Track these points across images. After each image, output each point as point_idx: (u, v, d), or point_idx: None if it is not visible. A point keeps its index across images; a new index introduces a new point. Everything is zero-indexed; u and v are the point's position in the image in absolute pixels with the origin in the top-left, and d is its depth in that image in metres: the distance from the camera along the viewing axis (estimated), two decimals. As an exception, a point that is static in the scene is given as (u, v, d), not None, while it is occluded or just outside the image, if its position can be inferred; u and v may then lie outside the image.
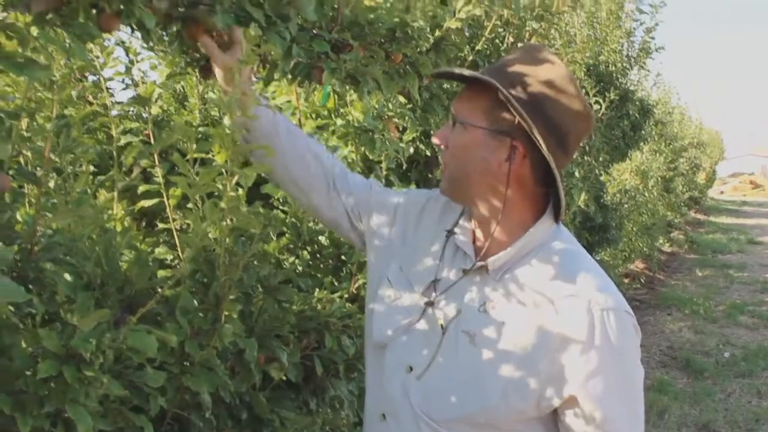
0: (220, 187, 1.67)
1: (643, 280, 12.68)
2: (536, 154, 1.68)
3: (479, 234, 1.81)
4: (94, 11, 1.56)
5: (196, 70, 2.10)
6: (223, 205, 1.70)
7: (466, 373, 1.69)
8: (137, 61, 3.01)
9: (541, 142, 1.63)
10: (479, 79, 1.68)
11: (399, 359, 1.80)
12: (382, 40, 2.21)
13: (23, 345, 1.44)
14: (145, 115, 2.85)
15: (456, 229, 1.84)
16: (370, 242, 2.00)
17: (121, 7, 1.56)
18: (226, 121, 2.69)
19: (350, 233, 2.05)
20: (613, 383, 1.63)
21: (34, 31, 1.43)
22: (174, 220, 2.43)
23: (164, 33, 1.86)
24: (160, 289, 1.89)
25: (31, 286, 1.57)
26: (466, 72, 1.71)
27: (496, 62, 1.78)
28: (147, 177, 2.55)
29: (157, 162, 2.37)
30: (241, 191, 1.92)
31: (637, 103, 7.83)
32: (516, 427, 1.68)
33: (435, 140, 1.80)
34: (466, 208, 1.84)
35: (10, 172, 1.64)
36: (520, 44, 3.68)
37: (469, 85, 1.76)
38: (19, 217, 1.74)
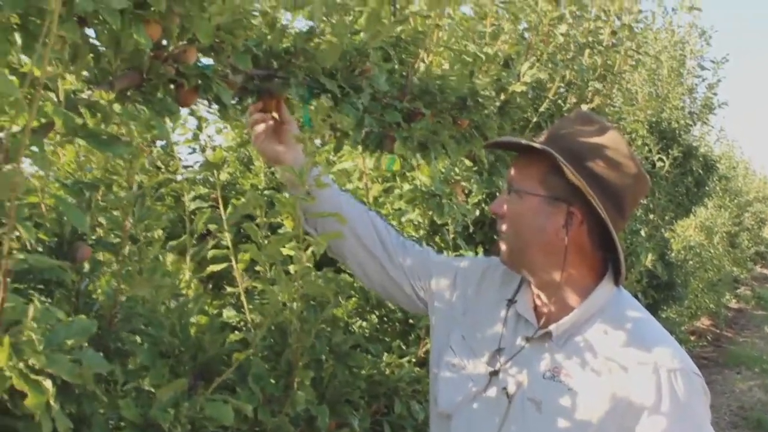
0: (293, 253, 1.69)
1: (709, 338, 12.41)
2: (593, 219, 1.68)
3: (540, 300, 1.80)
4: (172, 86, 1.61)
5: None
6: (293, 270, 1.72)
7: None
8: (205, 127, 3.08)
9: (600, 206, 1.63)
10: (533, 147, 1.68)
11: (466, 429, 1.79)
12: (451, 108, 2.24)
13: (102, 415, 1.46)
14: (212, 179, 2.90)
15: (517, 297, 1.83)
16: (431, 305, 1.99)
17: (199, 82, 1.60)
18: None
19: (413, 298, 2.03)
20: None
21: (117, 107, 1.47)
22: (241, 283, 2.45)
23: (238, 104, 1.91)
24: (228, 355, 1.91)
25: (110, 356, 1.59)
26: (523, 141, 1.72)
27: (550, 129, 1.79)
28: (215, 241, 2.58)
29: (226, 227, 2.41)
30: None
31: (701, 159, 7.75)
32: None
33: (492, 209, 1.80)
34: (524, 274, 1.83)
35: (90, 243, 1.68)
36: (583, 105, 3.69)
37: (522, 153, 1.77)
38: (98, 287, 1.77)
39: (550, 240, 1.69)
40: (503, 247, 1.80)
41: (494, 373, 1.76)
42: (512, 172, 1.76)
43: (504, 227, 1.78)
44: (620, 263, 1.70)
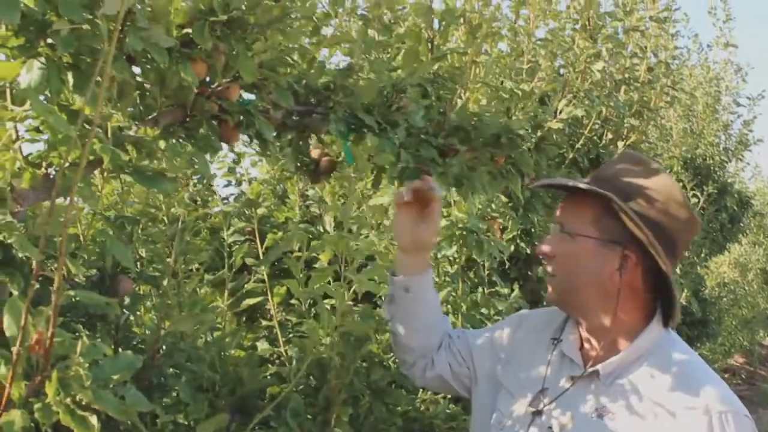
0: (332, 291, 1.69)
1: (743, 376, 12.22)
2: (648, 262, 1.66)
3: (587, 340, 1.78)
4: (215, 122, 1.62)
5: (305, 174, 2.16)
6: (330, 306, 1.72)
7: None
8: (241, 160, 3.10)
9: (659, 252, 1.62)
10: (590, 189, 1.68)
11: None
12: (487, 144, 2.24)
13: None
14: (248, 213, 2.92)
15: (562, 337, 1.82)
16: (475, 379, 1.95)
17: (241, 118, 1.62)
18: (327, 219, 2.73)
19: (454, 382, 1.97)
20: None
21: (161, 144, 1.49)
22: (277, 316, 2.46)
23: (277, 140, 1.92)
24: (265, 389, 1.92)
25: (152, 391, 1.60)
26: (581, 185, 1.71)
27: (599, 171, 1.78)
28: (251, 274, 2.60)
29: (263, 261, 2.42)
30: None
31: (735, 195, 7.67)
32: None
33: (543, 250, 1.78)
34: (572, 315, 1.82)
35: (132, 276, 1.70)
36: (619, 142, 3.68)
37: (574, 194, 1.76)
38: (140, 320, 1.79)
39: (604, 282, 1.68)
40: (552, 287, 1.78)
41: (537, 413, 1.74)
42: (563, 212, 1.75)
43: (553, 268, 1.76)
44: (673, 305, 1.69)
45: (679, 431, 1.58)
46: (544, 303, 3.55)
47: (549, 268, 1.78)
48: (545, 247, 1.77)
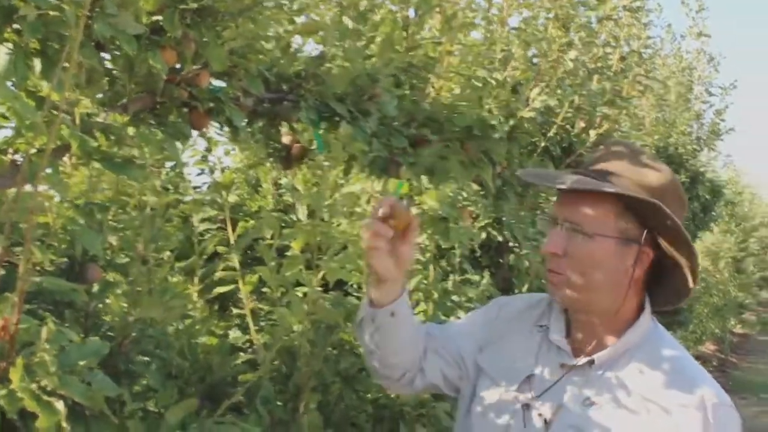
0: (304, 277, 1.70)
1: (714, 363, 12.36)
2: (658, 254, 1.69)
3: (577, 329, 1.77)
4: (185, 110, 1.62)
5: (276, 161, 2.16)
6: (302, 293, 1.73)
7: None
8: (213, 148, 3.09)
9: (687, 250, 1.66)
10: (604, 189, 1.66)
11: None
12: (459, 134, 2.25)
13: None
14: (220, 201, 2.91)
15: (549, 324, 1.81)
16: (466, 373, 1.88)
17: (211, 105, 1.62)
18: (300, 208, 2.73)
19: (445, 387, 1.92)
20: None
21: (130, 130, 1.49)
22: (248, 304, 2.46)
23: (248, 127, 1.92)
24: (236, 377, 1.92)
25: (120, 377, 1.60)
26: (609, 188, 1.65)
27: (603, 165, 1.74)
28: (223, 262, 2.59)
29: (234, 249, 2.42)
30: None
31: (707, 184, 7.75)
32: None
33: (550, 250, 1.70)
34: (577, 310, 1.78)
35: (101, 264, 1.69)
36: (592, 131, 3.69)
37: (584, 192, 1.69)
38: (108, 308, 1.78)
39: (619, 280, 1.68)
40: (563, 288, 1.71)
41: (527, 403, 1.72)
42: (574, 210, 1.68)
43: (564, 266, 1.69)
44: (687, 285, 1.71)
45: (674, 428, 1.60)
46: (515, 291, 3.58)
47: (555, 266, 1.71)
48: (552, 247, 1.70)
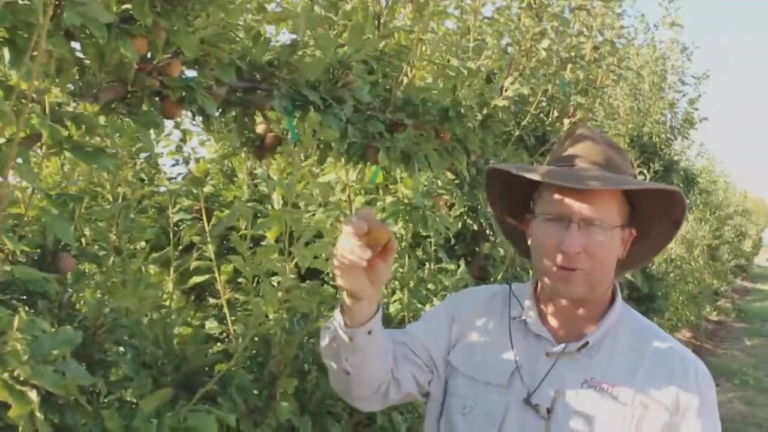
0: (278, 266, 1.70)
1: (690, 350, 12.43)
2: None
3: (558, 317, 1.78)
4: (157, 99, 1.62)
5: (251, 151, 2.16)
6: (276, 282, 1.73)
7: None
8: (189, 139, 3.09)
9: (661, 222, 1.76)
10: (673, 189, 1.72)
11: None
12: (434, 119, 2.26)
13: (85, 426, 1.46)
14: (195, 192, 2.91)
15: (522, 314, 1.81)
16: (437, 375, 1.86)
17: (183, 94, 1.62)
18: (275, 197, 2.73)
19: (419, 393, 1.88)
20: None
21: (102, 120, 1.48)
22: (224, 294, 2.46)
23: (221, 117, 1.92)
24: (211, 366, 1.92)
25: (94, 367, 1.60)
26: (639, 185, 1.73)
27: (594, 158, 1.75)
28: (198, 252, 2.59)
29: (209, 239, 2.42)
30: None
31: (681, 173, 7.81)
32: None
33: (573, 250, 1.66)
34: (530, 291, 1.82)
35: (74, 254, 1.68)
36: (565, 119, 3.72)
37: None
38: (82, 298, 1.78)
39: (615, 265, 1.74)
40: (579, 282, 1.69)
41: (525, 397, 1.71)
42: (594, 208, 1.66)
43: (584, 263, 1.68)
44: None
45: (674, 397, 1.65)
46: (491, 280, 3.59)
47: (568, 263, 1.68)
48: (575, 247, 1.66)
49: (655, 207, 1.73)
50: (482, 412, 1.75)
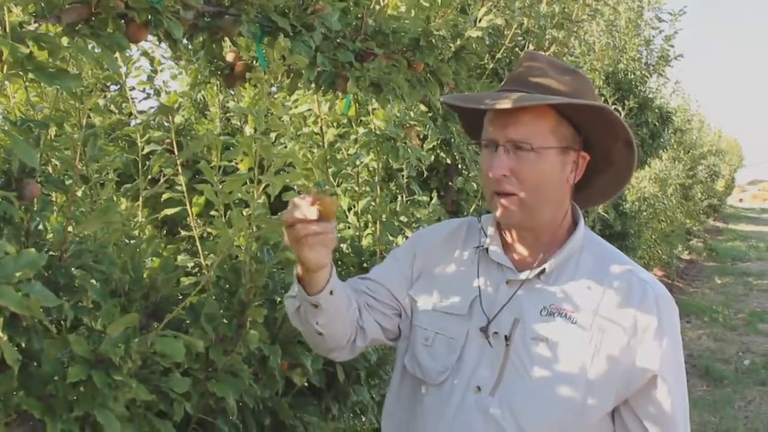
0: (247, 195, 1.69)
1: (662, 288, 12.59)
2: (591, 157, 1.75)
3: (520, 246, 1.78)
4: (122, 22, 1.59)
5: (220, 79, 2.13)
6: (248, 212, 1.72)
7: (544, 378, 1.67)
8: (159, 71, 3.05)
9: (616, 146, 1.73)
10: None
11: (464, 384, 1.74)
12: (405, 49, 2.23)
13: (52, 350, 1.46)
14: (167, 124, 2.88)
15: (485, 243, 1.81)
16: (406, 316, 1.87)
17: (149, 17, 1.59)
18: (248, 129, 2.71)
19: (385, 338, 1.90)
20: (673, 360, 1.69)
21: (65, 41, 1.45)
22: (196, 228, 2.45)
23: (189, 43, 1.89)
24: (184, 296, 1.92)
25: (60, 293, 1.59)
26: (554, 100, 1.65)
27: (531, 79, 1.73)
28: (169, 185, 2.57)
29: (180, 170, 2.40)
30: (265, 199, 1.94)
31: (656, 111, 7.81)
32: (594, 424, 1.69)
33: (499, 173, 1.66)
34: (525, 229, 1.77)
35: (39, 180, 1.66)
36: (540, 53, 3.69)
37: (520, 109, 1.68)
38: (48, 225, 1.76)
39: (562, 190, 1.71)
40: (513, 207, 1.69)
41: (483, 325, 1.72)
42: (514, 129, 1.65)
43: (511, 187, 1.67)
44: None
45: (632, 320, 1.65)
46: (464, 214, 3.60)
47: (502, 188, 1.68)
48: (502, 170, 1.66)
49: (600, 128, 1.70)
50: (443, 341, 1.77)
